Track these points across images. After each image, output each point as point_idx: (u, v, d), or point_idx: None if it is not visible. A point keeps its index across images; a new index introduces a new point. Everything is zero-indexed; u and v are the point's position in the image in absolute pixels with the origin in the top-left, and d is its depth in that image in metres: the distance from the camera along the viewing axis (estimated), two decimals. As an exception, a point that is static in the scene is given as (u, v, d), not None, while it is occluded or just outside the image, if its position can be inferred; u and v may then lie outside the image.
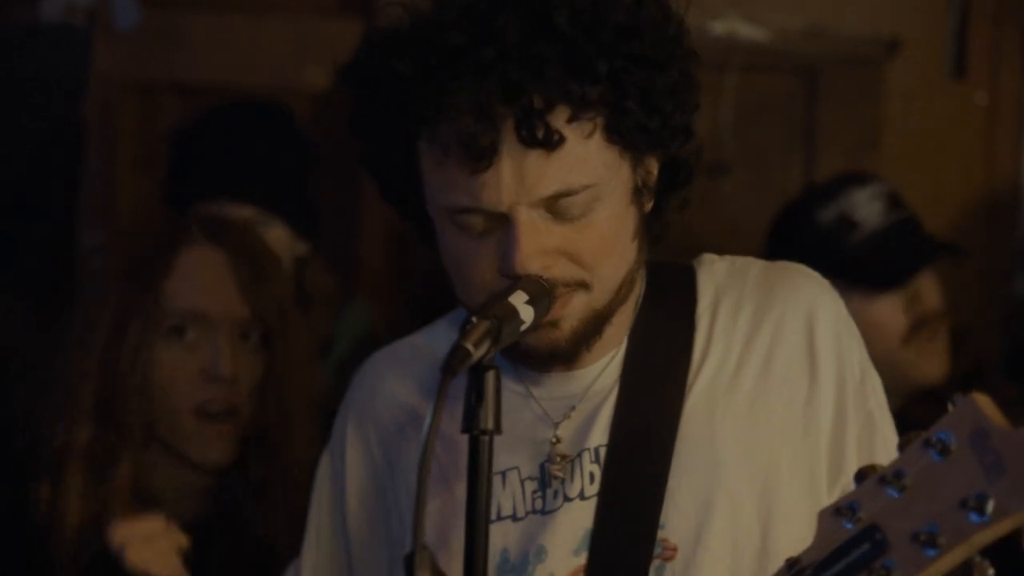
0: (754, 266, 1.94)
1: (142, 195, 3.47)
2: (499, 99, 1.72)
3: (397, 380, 2.01)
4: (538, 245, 1.77)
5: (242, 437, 2.48)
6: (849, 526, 1.49)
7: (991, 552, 1.44)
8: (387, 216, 3.38)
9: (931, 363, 3.14)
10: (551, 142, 1.74)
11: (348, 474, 2.02)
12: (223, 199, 3.15)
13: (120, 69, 3.70)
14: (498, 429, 1.67)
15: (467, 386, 1.67)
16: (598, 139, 1.78)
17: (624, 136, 1.80)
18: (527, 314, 1.72)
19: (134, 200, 3.56)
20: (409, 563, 1.51)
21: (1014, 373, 3.56)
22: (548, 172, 1.76)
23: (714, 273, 1.94)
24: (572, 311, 1.81)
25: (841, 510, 1.50)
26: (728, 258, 1.96)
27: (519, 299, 1.72)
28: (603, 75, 1.75)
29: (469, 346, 1.63)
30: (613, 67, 1.76)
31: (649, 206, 1.88)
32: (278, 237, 3.20)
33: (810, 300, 1.89)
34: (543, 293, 1.76)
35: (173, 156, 3.32)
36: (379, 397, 2.01)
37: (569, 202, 1.78)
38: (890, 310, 3.09)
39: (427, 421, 1.57)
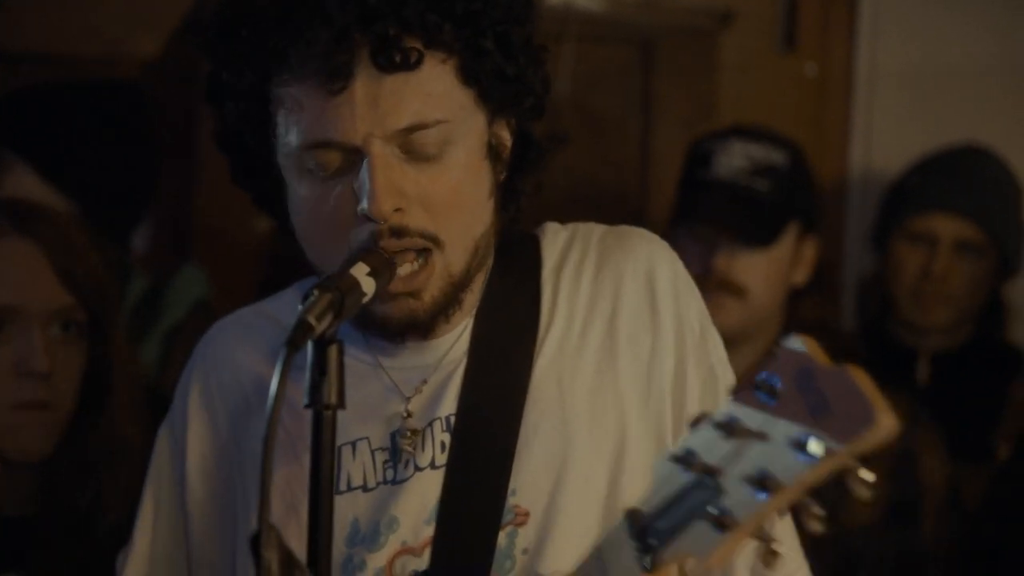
0: (595, 232, 1.96)
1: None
2: (356, 25, 1.74)
3: (243, 349, 1.98)
4: (392, 182, 1.78)
5: (61, 427, 2.39)
6: (684, 473, 1.51)
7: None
8: (226, 183, 3.38)
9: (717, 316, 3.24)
10: (408, 63, 1.76)
11: (190, 447, 1.99)
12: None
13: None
14: (341, 404, 1.67)
15: (310, 360, 1.66)
16: (453, 78, 1.81)
17: (480, 80, 1.82)
18: (368, 286, 1.72)
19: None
20: (255, 542, 1.50)
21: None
22: (403, 101, 1.77)
23: (557, 240, 1.96)
24: (432, 280, 1.83)
25: (676, 457, 1.52)
26: (571, 226, 1.98)
27: (360, 271, 1.71)
28: (459, 13, 1.78)
29: (311, 319, 1.62)
30: (470, 7, 1.79)
31: (502, 177, 1.89)
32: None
33: (647, 259, 1.93)
34: (384, 265, 1.76)
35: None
36: (225, 366, 1.99)
37: (423, 137, 1.79)
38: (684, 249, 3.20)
39: (270, 397, 1.56)
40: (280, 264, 3.36)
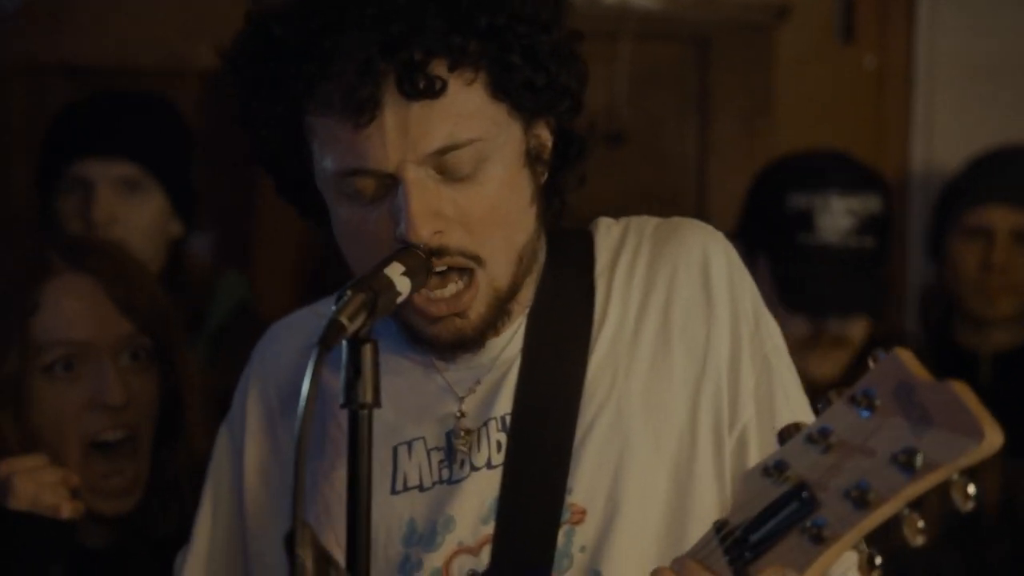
0: (648, 224, 1.94)
1: (31, 179, 3.38)
2: (380, 54, 1.73)
3: (297, 349, 1.97)
4: (429, 206, 1.76)
5: (144, 470, 2.38)
6: (777, 485, 1.50)
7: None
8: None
9: (825, 367, 3.19)
10: (433, 90, 1.74)
11: (248, 448, 2.00)
12: (101, 157, 3.16)
13: (6, 50, 3.61)
14: (377, 402, 1.65)
15: (344, 360, 1.65)
16: (483, 94, 1.79)
17: (511, 94, 1.80)
18: (403, 285, 1.71)
19: (24, 183, 3.46)
20: (289, 540, 1.50)
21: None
22: (433, 125, 1.76)
23: (610, 235, 1.95)
24: (478, 299, 1.82)
25: (768, 469, 1.51)
26: (623, 220, 1.96)
27: (395, 271, 1.71)
28: (483, 28, 1.76)
29: (344, 319, 1.61)
30: (494, 22, 1.77)
31: (544, 177, 1.88)
32: (156, 205, 3.23)
33: (702, 250, 1.90)
34: (420, 265, 1.75)
35: (50, 131, 3.31)
36: (280, 367, 1.99)
37: (457, 158, 1.78)
38: (794, 319, 3.15)
39: (302, 397, 1.56)
40: (333, 269, 3.39)
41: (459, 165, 1.78)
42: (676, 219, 1.96)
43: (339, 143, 1.78)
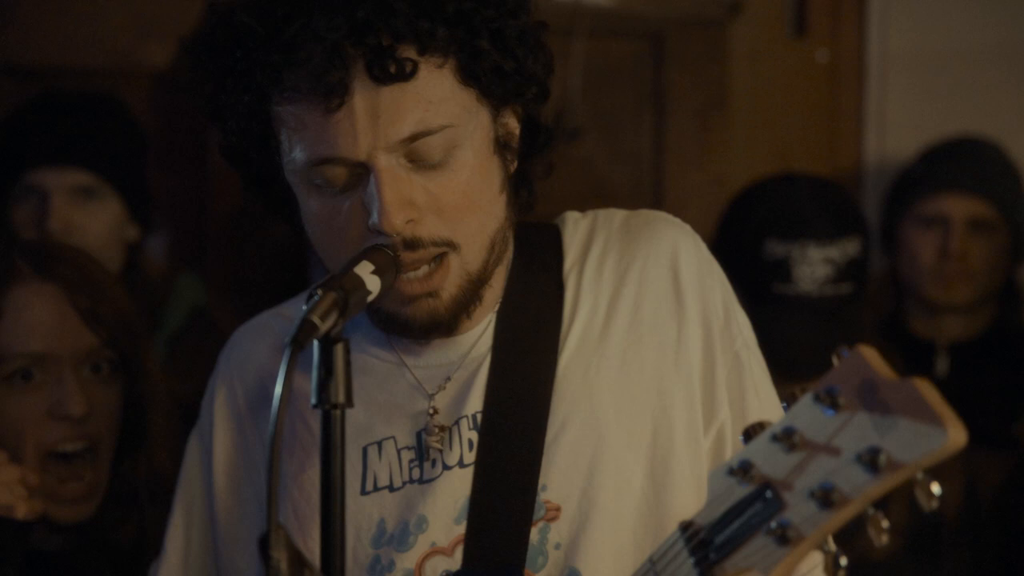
0: (616, 217, 1.94)
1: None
2: (348, 39, 1.72)
3: (263, 352, 1.98)
4: (401, 194, 1.76)
5: (103, 480, 2.35)
6: (742, 485, 1.49)
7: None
8: (237, 191, 3.39)
9: None
10: (403, 74, 1.74)
11: (216, 453, 1.99)
12: (55, 165, 3.15)
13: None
14: (349, 403, 1.65)
15: (316, 359, 1.64)
16: (452, 80, 1.78)
17: (480, 79, 1.80)
18: (373, 284, 1.71)
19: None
20: (264, 543, 1.50)
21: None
22: (403, 110, 1.75)
23: (578, 230, 1.94)
24: (450, 279, 1.81)
25: (733, 470, 1.50)
26: (590, 213, 1.96)
27: (365, 269, 1.70)
28: (451, 13, 1.75)
29: (315, 319, 1.61)
30: (461, 7, 1.76)
31: (513, 166, 1.87)
32: (113, 211, 3.23)
33: (671, 244, 1.89)
34: (389, 263, 1.74)
35: (5, 131, 3.27)
36: (247, 370, 1.99)
37: (428, 144, 1.77)
38: None
39: (274, 397, 1.56)
40: (290, 268, 3.39)
41: (430, 152, 1.77)
42: (645, 212, 1.95)
43: (308, 131, 1.77)
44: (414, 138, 1.76)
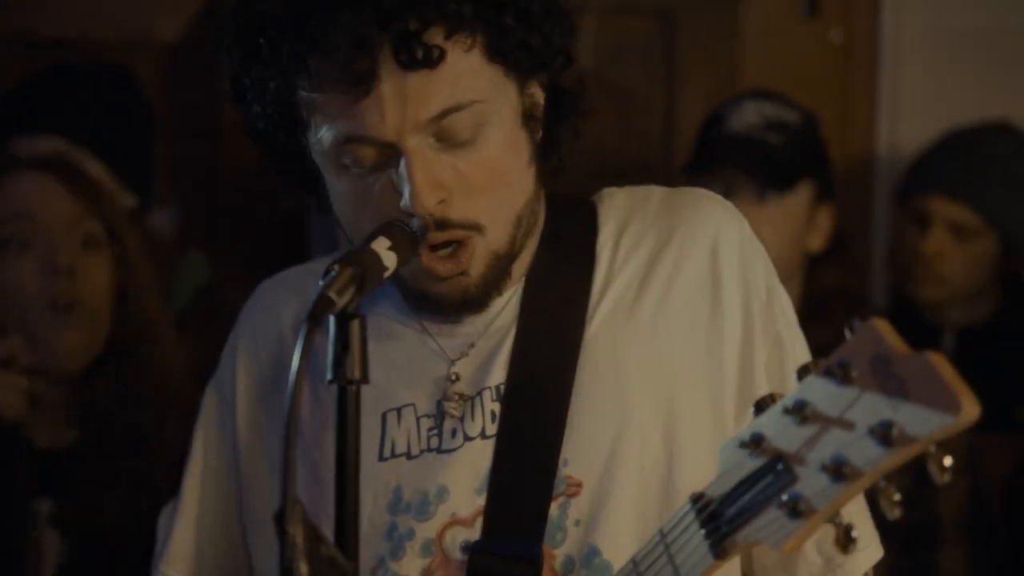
0: (655, 194, 1.93)
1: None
2: (374, 26, 1.72)
3: (288, 306, 1.98)
4: (432, 176, 1.77)
5: (99, 342, 2.62)
6: (754, 458, 1.49)
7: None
8: (248, 166, 3.39)
9: None
10: (431, 60, 1.74)
11: (239, 406, 1.99)
12: (29, 134, 3.17)
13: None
14: (365, 379, 1.66)
15: (332, 335, 1.66)
16: (480, 57, 1.78)
17: (507, 55, 1.79)
18: (390, 260, 1.72)
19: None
20: (280, 518, 1.51)
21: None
22: (431, 90, 1.75)
23: (614, 205, 1.93)
24: (476, 258, 1.82)
25: (744, 442, 1.50)
26: (627, 189, 1.96)
27: (381, 245, 1.72)
28: None
29: (332, 294, 1.63)
30: None
31: (539, 135, 1.87)
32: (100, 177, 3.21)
33: (714, 225, 1.89)
34: (405, 239, 1.75)
35: (3, 104, 3.31)
36: (270, 324, 1.99)
37: (457, 121, 1.77)
38: None
39: (291, 373, 1.56)
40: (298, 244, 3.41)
41: (459, 129, 1.78)
42: (688, 190, 1.94)
43: (335, 115, 1.77)
44: (443, 115, 1.76)
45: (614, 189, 1.96)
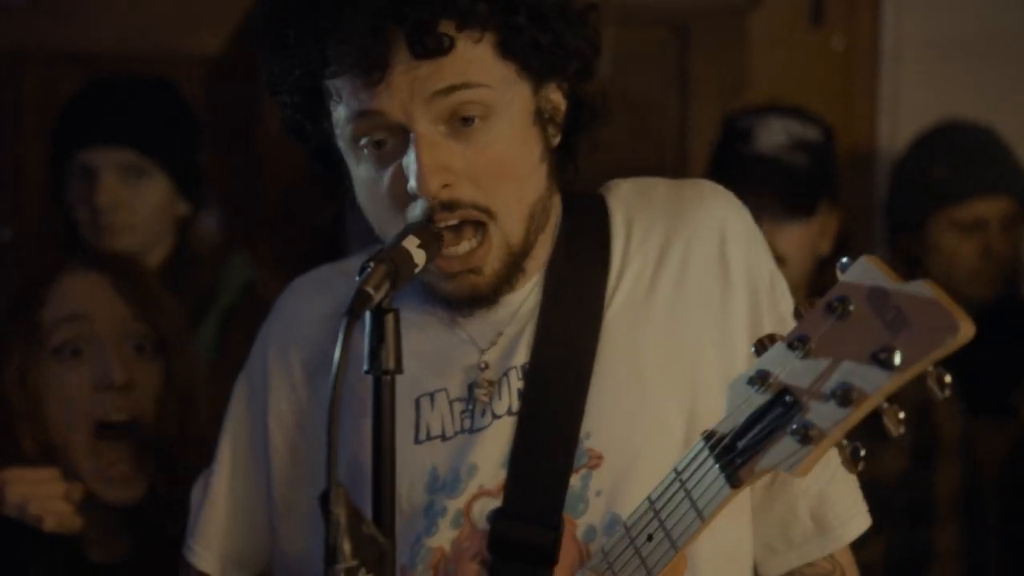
0: (661, 185, 1.99)
1: (44, 165, 3.49)
2: (390, 17, 1.77)
3: (320, 303, 2.02)
4: (438, 159, 1.81)
5: (149, 462, 2.44)
6: (761, 393, 1.55)
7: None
8: (283, 175, 3.52)
9: None
10: (441, 49, 1.78)
11: (272, 399, 2.03)
12: (104, 145, 3.28)
13: (17, 39, 3.69)
14: (399, 369, 1.72)
15: (368, 328, 1.72)
16: (491, 52, 1.83)
17: (519, 54, 1.84)
18: (419, 257, 1.77)
19: (37, 170, 3.57)
20: (324, 500, 1.56)
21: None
22: (441, 71, 1.80)
23: (622, 195, 1.98)
24: (492, 254, 1.86)
25: (751, 379, 1.56)
26: (632, 180, 2.01)
27: (411, 243, 1.76)
28: None
29: (370, 289, 1.68)
30: None
31: (557, 139, 1.91)
32: (161, 189, 3.35)
33: (721, 214, 1.94)
34: (432, 237, 1.80)
35: (58, 120, 3.42)
36: (302, 321, 2.03)
37: (464, 99, 1.81)
38: None
39: (333, 365, 1.61)
40: (331, 246, 3.49)
41: (468, 108, 1.81)
42: (693, 181, 1.99)
43: (351, 96, 1.82)
44: (450, 90, 1.80)
45: (619, 180, 2.00)
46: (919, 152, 3.68)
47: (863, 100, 3.95)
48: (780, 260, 3.18)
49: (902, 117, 3.91)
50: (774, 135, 3.34)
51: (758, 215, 3.14)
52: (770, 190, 3.28)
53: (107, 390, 2.42)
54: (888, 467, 3.19)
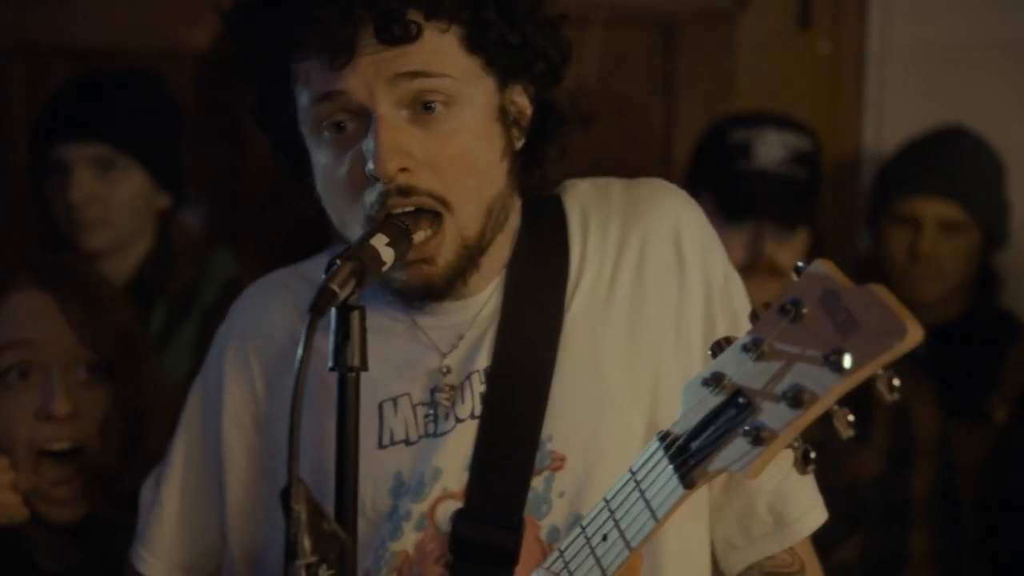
0: (616, 184, 2.01)
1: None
2: (358, 3, 1.79)
3: (277, 308, 2.03)
4: (397, 143, 1.81)
5: (92, 486, 2.42)
6: (715, 394, 1.57)
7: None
8: (269, 173, 3.51)
9: (761, 295, 3.32)
10: (408, 36, 1.80)
11: (226, 403, 2.04)
12: (77, 140, 3.27)
13: (4, 33, 3.70)
14: (364, 366, 1.73)
15: (333, 326, 1.72)
16: (457, 44, 1.84)
17: (484, 49, 1.85)
18: (388, 255, 1.77)
19: (24, 161, 3.55)
20: (285, 496, 1.56)
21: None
22: (406, 56, 1.82)
23: (578, 194, 2.00)
24: (446, 245, 1.86)
25: (706, 380, 1.58)
26: (589, 179, 2.02)
27: (380, 241, 1.77)
28: None
29: (335, 287, 1.68)
30: None
31: (521, 142, 1.92)
32: (136, 182, 3.34)
33: (675, 212, 1.96)
34: (401, 235, 1.80)
35: (36, 117, 3.43)
36: (259, 325, 2.04)
37: (427, 86, 1.82)
38: (733, 240, 3.25)
39: (296, 361, 1.61)
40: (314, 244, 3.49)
41: (429, 95, 1.82)
42: (647, 180, 2.01)
43: (316, 79, 1.84)
44: (413, 75, 1.82)
45: (576, 180, 2.02)
46: (899, 151, 3.71)
47: (849, 104, 3.96)
48: (786, 272, 3.22)
49: (887, 121, 3.93)
50: (772, 149, 3.35)
51: (763, 231, 3.23)
52: (776, 206, 3.30)
53: (47, 420, 2.39)
54: (865, 469, 3.21)
